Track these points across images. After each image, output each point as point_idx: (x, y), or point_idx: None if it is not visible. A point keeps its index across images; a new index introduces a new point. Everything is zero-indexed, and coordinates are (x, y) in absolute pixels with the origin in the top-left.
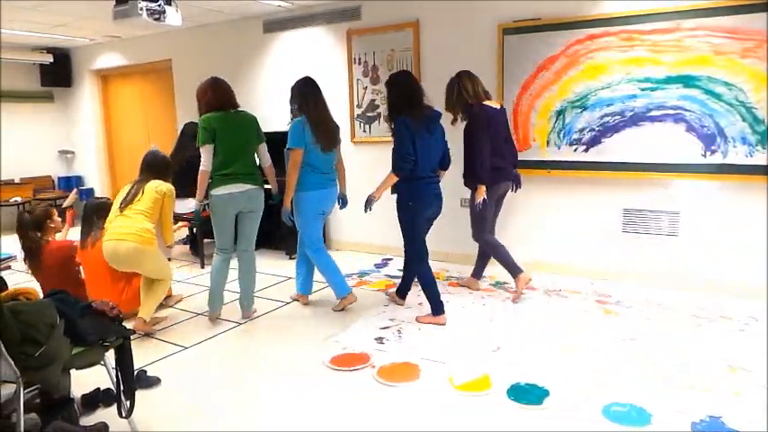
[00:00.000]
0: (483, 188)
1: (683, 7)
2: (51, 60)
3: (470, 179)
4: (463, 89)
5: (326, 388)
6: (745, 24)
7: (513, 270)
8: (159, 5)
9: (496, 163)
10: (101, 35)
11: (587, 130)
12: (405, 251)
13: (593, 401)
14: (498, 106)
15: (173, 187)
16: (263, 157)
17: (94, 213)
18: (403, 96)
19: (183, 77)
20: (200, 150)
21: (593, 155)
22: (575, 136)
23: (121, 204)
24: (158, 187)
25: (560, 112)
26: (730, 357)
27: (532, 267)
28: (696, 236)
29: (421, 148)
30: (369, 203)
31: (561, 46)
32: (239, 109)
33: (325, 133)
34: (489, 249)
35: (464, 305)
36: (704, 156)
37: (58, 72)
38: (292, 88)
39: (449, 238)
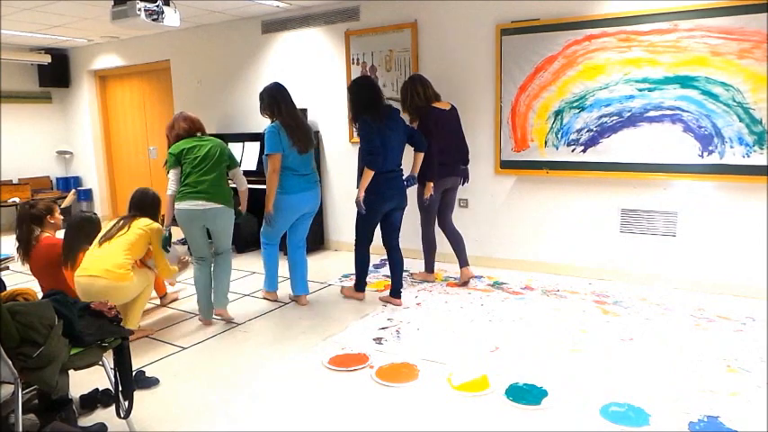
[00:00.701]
0: (431, 185)
1: (681, 8)
2: (49, 61)
3: (420, 175)
4: (414, 93)
5: (325, 388)
6: (742, 25)
7: (428, 267)
8: (157, 6)
9: (443, 159)
10: (99, 36)
11: (585, 130)
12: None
13: (591, 402)
14: (448, 107)
15: (159, 226)
16: (238, 180)
17: (78, 231)
18: (362, 99)
19: (181, 78)
20: (169, 175)
21: (591, 155)
22: (573, 136)
23: (102, 238)
24: (148, 225)
25: (558, 113)
26: (728, 357)
27: (531, 267)
28: (694, 236)
29: (385, 145)
30: (359, 205)
31: (559, 46)
32: (208, 135)
33: (301, 136)
34: (426, 243)
35: (462, 305)
36: (701, 156)
37: (56, 72)
38: (261, 94)
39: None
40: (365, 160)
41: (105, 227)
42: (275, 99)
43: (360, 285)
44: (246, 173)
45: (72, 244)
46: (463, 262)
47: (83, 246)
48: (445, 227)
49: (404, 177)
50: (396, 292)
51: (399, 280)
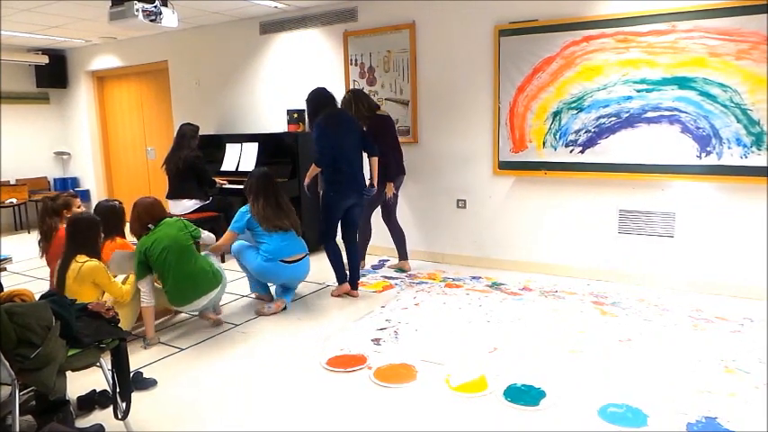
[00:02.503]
0: (391, 184)
1: (679, 9)
2: (47, 61)
3: (379, 178)
4: (360, 104)
5: (323, 389)
6: (739, 26)
7: (362, 251)
8: (155, 7)
9: (397, 159)
10: (97, 36)
11: (583, 131)
12: (319, 229)
13: (589, 402)
14: (387, 114)
15: (95, 263)
16: (210, 241)
17: (104, 219)
18: (317, 107)
19: (179, 79)
20: (139, 285)
21: (589, 156)
22: (571, 137)
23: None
24: (76, 278)
25: (556, 114)
26: (726, 358)
27: (529, 268)
28: (692, 237)
29: (341, 146)
30: (306, 189)
31: (557, 47)
32: (163, 220)
33: (277, 222)
34: (363, 235)
35: (461, 306)
36: (699, 157)
37: (53, 73)
38: (249, 177)
39: (445, 239)
40: (314, 158)
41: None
42: (258, 190)
43: (340, 278)
44: (244, 174)
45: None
46: (403, 255)
47: (110, 236)
48: (391, 222)
49: (366, 186)
50: (354, 283)
51: (357, 272)
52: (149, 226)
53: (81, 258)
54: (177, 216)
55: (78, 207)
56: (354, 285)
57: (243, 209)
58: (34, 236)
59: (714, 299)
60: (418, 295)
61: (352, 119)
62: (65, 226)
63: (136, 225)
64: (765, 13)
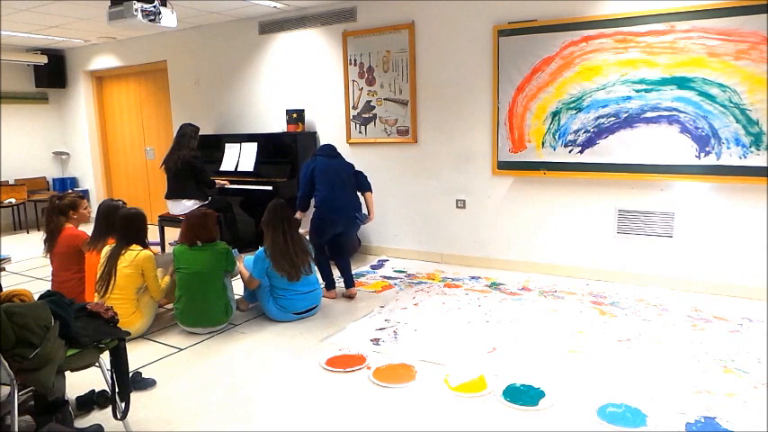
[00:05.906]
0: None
1: (677, 9)
2: (46, 61)
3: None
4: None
5: (322, 389)
6: (738, 26)
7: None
8: (154, 7)
9: None
10: (96, 36)
11: (582, 131)
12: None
13: (588, 402)
14: None
15: (149, 253)
16: (239, 272)
17: (106, 217)
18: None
19: (178, 79)
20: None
21: (588, 156)
22: (570, 137)
23: (98, 288)
24: (133, 260)
25: (555, 114)
26: (725, 358)
27: (528, 268)
28: (691, 237)
29: (328, 178)
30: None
31: (556, 47)
32: (207, 243)
33: (286, 266)
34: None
35: (460, 306)
36: (698, 157)
37: (52, 73)
38: (268, 207)
39: (444, 239)
40: (298, 202)
41: (99, 266)
42: (270, 220)
43: (328, 284)
44: (243, 173)
45: (101, 230)
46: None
47: (110, 234)
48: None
49: (359, 212)
50: (349, 284)
51: (350, 277)
52: (197, 242)
53: (136, 247)
54: (177, 217)
55: (85, 209)
56: (350, 285)
57: (260, 253)
58: (33, 236)
59: (713, 299)
60: (417, 295)
61: (339, 154)
62: (117, 220)
63: (185, 238)
64: (764, 13)
